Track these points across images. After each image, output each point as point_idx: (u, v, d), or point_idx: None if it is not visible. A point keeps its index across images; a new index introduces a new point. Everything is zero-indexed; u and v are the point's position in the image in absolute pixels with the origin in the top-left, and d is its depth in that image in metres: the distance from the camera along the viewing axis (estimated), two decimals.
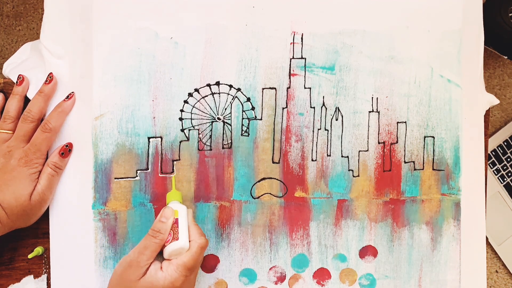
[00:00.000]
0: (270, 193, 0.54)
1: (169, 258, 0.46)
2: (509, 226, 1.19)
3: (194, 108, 0.52)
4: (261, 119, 0.53)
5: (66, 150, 0.51)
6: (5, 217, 0.48)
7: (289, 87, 0.53)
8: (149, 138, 0.51)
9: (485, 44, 0.57)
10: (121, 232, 0.51)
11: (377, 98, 0.54)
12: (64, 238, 0.52)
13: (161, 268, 0.45)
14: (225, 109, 0.52)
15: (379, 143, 0.55)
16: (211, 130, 0.52)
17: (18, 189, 0.48)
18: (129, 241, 0.52)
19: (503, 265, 1.23)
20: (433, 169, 0.56)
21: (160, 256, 0.47)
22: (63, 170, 0.51)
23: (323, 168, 0.54)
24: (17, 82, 0.51)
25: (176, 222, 0.46)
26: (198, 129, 0.52)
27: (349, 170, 0.54)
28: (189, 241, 0.46)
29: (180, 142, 0.52)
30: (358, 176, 0.54)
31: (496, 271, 1.25)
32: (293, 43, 0.52)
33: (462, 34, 0.55)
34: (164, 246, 0.46)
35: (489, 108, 0.59)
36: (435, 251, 0.56)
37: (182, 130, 0.52)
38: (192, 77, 0.51)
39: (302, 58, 0.53)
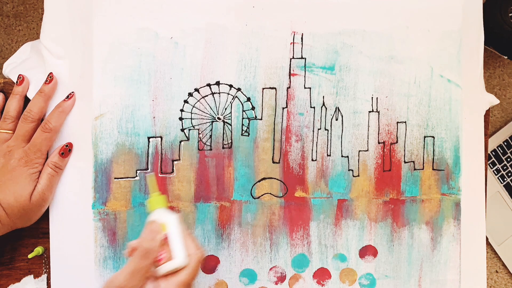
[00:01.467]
0: (270, 193, 0.54)
1: (164, 274, 0.42)
2: (509, 226, 1.19)
3: (194, 108, 0.52)
4: (261, 119, 0.53)
5: (66, 150, 0.51)
6: (5, 217, 0.48)
7: (289, 87, 0.53)
8: (149, 138, 0.51)
9: (485, 44, 0.57)
10: (121, 232, 0.51)
11: (377, 98, 0.54)
12: (64, 238, 0.52)
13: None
14: (225, 109, 0.52)
15: (379, 143, 0.55)
16: (211, 130, 0.52)
17: (18, 189, 0.48)
18: (129, 241, 0.51)
19: (503, 265, 1.23)
20: (433, 169, 0.56)
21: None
22: (63, 170, 0.51)
23: (323, 168, 0.54)
24: (17, 82, 0.51)
25: (167, 237, 0.42)
26: (198, 129, 0.52)
27: (349, 170, 0.54)
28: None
29: (180, 142, 0.52)
30: (358, 176, 0.54)
31: (496, 271, 1.25)
32: (293, 43, 0.52)
33: (462, 34, 0.55)
34: (158, 263, 0.42)
35: (489, 108, 0.59)
36: (435, 251, 0.56)
37: (182, 130, 0.52)
38: (192, 77, 0.51)
39: (302, 58, 0.53)
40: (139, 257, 0.41)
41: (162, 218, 0.43)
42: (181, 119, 0.52)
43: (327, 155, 0.54)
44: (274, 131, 0.53)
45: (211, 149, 0.52)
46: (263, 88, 0.53)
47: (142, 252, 0.41)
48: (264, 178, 0.53)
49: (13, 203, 0.48)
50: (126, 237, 0.51)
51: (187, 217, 0.52)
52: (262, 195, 0.53)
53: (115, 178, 0.51)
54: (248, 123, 0.53)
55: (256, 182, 0.53)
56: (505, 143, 1.19)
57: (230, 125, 0.52)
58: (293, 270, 0.55)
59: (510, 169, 1.18)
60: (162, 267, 0.42)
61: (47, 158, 0.50)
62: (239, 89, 0.52)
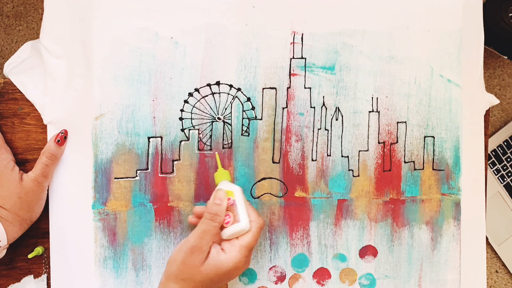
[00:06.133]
0: (270, 193, 0.54)
1: (228, 239, 0.46)
2: (509, 226, 1.19)
3: (194, 108, 0.52)
4: (261, 119, 0.53)
5: (62, 138, 0.50)
6: (6, 212, 0.48)
7: (289, 87, 0.53)
8: (149, 138, 0.51)
9: (485, 44, 0.57)
10: (121, 232, 0.51)
11: (377, 98, 0.54)
12: (64, 238, 0.52)
13: (222, 249, 0.46)
14: (225, 109, 0.52)
15: (379, 143, 0.55)
16: (211, 130, 0.52)
17: (3, 181, 0.48)
18: (129, 241, 0.52)
19: (503, 265, 1.24)
20: (433, 169, 0.56)
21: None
22: (59, 158, 0.51)
23: (323, 168, 0.54)
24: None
25: (234, 203, 0.46)
26: (198, 129, 0.52)
27: (349, 170, 0.54)
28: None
29: (180, 142, 0.52)
30: (358, 176, 0.54)
31: (496, 271, 1.25)
32: (293, 43, 0.52)
33: (462, 34, 0.55)
34: (222, 227, 0.46)
35: (489, 108, 0.59)
36: (435, 251, 0.56)
37: (182, 130, 0.52)
38: (192, 77, 0.51)
39: (302, 58, 0.53)
40: (207, 220, 0.46)
41: (227, 187, 0.48)
42: (181, 119, 0.52)
43: (327, 155, 0.54)
44: (274, 131, 0.53)
45: (211, 149, 0.52)
46: (263, 88, 0.53)
47: (210, 215, 0.46)
48: (264, 178, 0.53)
49: (5, 195, 0.48)
50: (126, 237, 0.51)
51: (187, 217, 0.52)
52: (262, 195, 0.53)
53: (115, 178, 0.51)
54: (248, 123, 0.53)
55: (256, 182, 0.53)
56: (505, 143, 1.19)
57: (230, 125, 0.52)
58: (293, 269, 0.55)
59: (510, 169, 1.18)
60: (227, 229, 0.46)
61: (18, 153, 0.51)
62: (239, 89, 0.52)
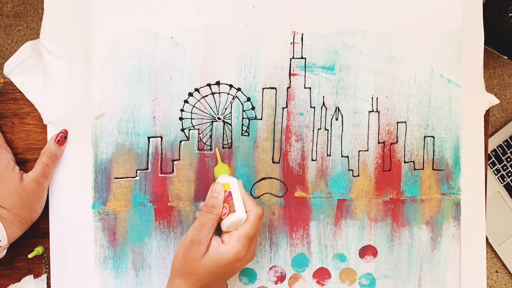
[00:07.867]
0: (270, 193, 0.54)
1: (228, 231, 0.46)
2: (509, 226, 1.19)
3: (194, 108, 0.52)
4: (261, 119, 0.53)
5: (62, 137, 0.51)
6: (6, 212, 0.48)
7: (289, 87, 0.53)
8: (149, 138, 0.51)
9: (485, 44, 0.57)
10: (121, 232, 0.51)
11: (377, 98, 0.54)
12: (64, 238, 0.52)
13: (222, 241, 0.46)
14: (225, 109, 0.52)
15: (379, 143, 0.55)
16: (211, 130, 0.52)
17: (3, 181, 0.48)
18: (129, 241, 0.52)
19: (503, 265, 1.24)
20: (433, 169, 0.56)
21: (217, 230, 0.47)
22: (59, 158, 0.51)
23: (323, 168, 0.54)
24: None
25: (229, 195, 0.47)
26: (198, 129, 0.52)
27: (349, 170, 0.54)
28: (246, 212, 0.46)
29: (180, 142, 0.52)
30: (358, 176, 0.54)
31: (496, 271, 1.25)
32: (293, 43, 0.52)
33: (462, 34, 0.55)
34: (220, 219, 0.46)
35: (489, 108, 0.59)
36: (435, 251, 0.56)
37: (182, 130, 0.52)
38: (192, 77, 0.51)
39: (302, 58, 0.53)
40: (204, 213, 0.46)
41: (224, 180, 0.48)
42: (181, 119, 0.52)
43: (327, 155, 0.54)
44: (274, 131, 0.53)
45: (211, 149, 0.52)
46: (263, 88, 0.53)
47: (207, 208, 0.46)
48: (264, 178, 0.53)
49: (5, 194, 0.48)
50: (126, 237, 0.51)
51: (187, 217, 0.52)
52: (262, 195, 0.53)
53: (115, 178, 0.51)
54: (248, 123, 0.53)
55: (256, 182, 0.53)
56: (505, 143, 1.19)
57: (230, 125, 0.52)
58: (293, 269, 0.55)
59: (510, 169, 1.18)
60: (224, 221, 0.46)
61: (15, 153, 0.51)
62: (239, 89, 0.52)
